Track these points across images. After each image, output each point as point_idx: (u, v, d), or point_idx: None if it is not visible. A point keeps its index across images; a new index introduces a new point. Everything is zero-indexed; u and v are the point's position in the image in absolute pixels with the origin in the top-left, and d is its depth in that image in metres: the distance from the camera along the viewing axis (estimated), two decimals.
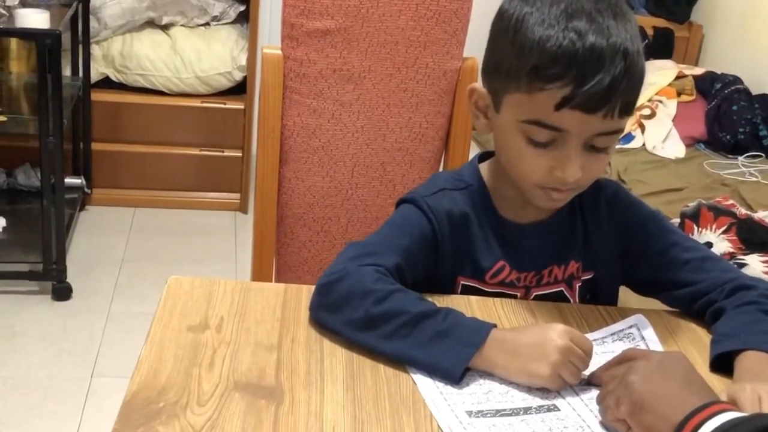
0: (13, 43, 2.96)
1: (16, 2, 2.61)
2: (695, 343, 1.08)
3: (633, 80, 0.99)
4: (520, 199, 1.11)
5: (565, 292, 1.17)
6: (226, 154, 3.26)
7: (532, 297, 1.16)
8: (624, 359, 0.95)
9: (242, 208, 3.32)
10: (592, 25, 0.97)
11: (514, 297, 1.15)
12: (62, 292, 2.62)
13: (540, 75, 0.98)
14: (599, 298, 1.19)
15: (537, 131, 1.01)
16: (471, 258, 1.13)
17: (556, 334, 0.95)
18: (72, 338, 2.45)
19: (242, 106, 3.22)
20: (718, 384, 0.99)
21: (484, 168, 1.17)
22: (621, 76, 0.97)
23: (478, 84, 1.10)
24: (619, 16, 1.00)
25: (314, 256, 1.65)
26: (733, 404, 0.88)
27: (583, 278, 1.18)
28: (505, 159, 1.09)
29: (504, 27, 1.03)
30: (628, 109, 1.01)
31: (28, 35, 2.53)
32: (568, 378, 0.94)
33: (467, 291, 1.14)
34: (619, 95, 0.98)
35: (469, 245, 1.13)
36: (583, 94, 0.97)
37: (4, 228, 2.80)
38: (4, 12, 2.52)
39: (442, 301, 1.05)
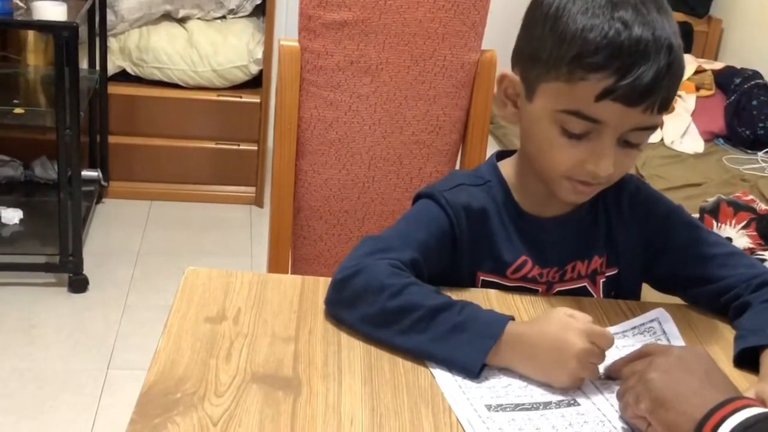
0: (31, 35, 2.96)
1: None
2: (717, 339, 1.07)
3: (675, 76, 0.98)
4: (543, 193, 1.09)
5: (589, 288, 1.16)
6: (242, 147, 3.26)
7: (554, 293, 1.14)
8: (644, 354, 0.93)
9: (258, 201, 3.32)
10: (637, 16, 0.96)
11: (536, 293, 1.13)
12: (79, 284, 2.62)
13: (582, 64, 0.96)
14: (623, 295, 1.17)
15: (574, 122, 0.99)
16: (492, 253, 1.12)
17: (575, 335, 0.92)
18: (88, 330, 2.46)
19: (258, 100, 3.22)
20: (742, 380, 0.98)
21: (503, 165, 1.15)
22: (665, 70, 0.96)
23: (510, 72, 1.09)
24: (662, 10, 0.98)
25: (330, 249, 1.65)
26: (761, 403, 0.87)
27: (607, 274, 1.16)
28: (534, 149, 1.07)
29: (543, 15, 1.01)
30: (666, 105, 0.99)
31: (45, 28, 2.54)
32: (588, 377, 0.94)
33: (487, 286, 1.13)
34: (661, 90, 0.97)
35: (490, 240, 1.11)
36: (625, 86, 0.95)
37: (21, 220, 2.81)
38: (21, 5, 2.52)
39: (460, 295, 1.04)
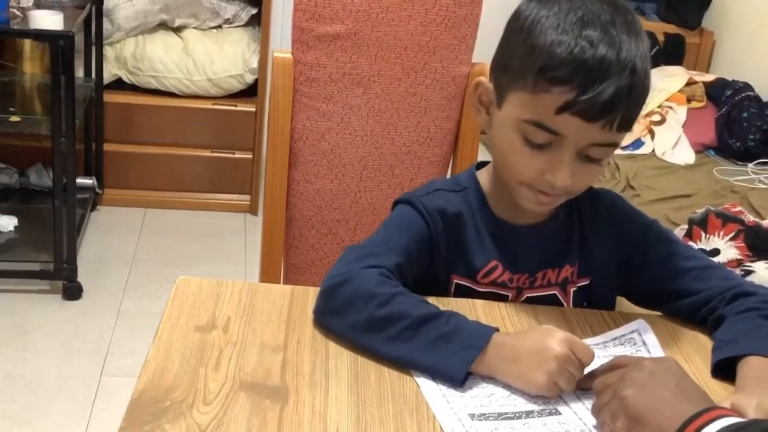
0: (27, 44, 2.98)
1: (30, 4, 2.63)
2: (697, 349, 1.09)
3: (636, 97, 1.00)
4: (515, 201, 1.11)
5: (559, 296, 1.18)
6: (236, 156, 3.28)
7: (523, 299, 1.17)
8: (615, 366, 0.94)
9: (252, 209, 3.33)
10: (605, 36, 0.99)
11: (506, 297, 1.16)
12: (73, 292, 2.64)
13: (546, 76, 0.99)
14: (596, 306, 1.19)
15: (535, 132, 1.02)
16: (464, 256, 1.14)
17: (556, 341, 0.95)
18: (82, 337, 2.47)
19: (253, 109, 3.24)
20: (721, 391, 1.00)
21: (481, 173, 1.19)
22: (625, 90, 0.98)
23: (485, 79, 1.12)
24: (632, 33, 1.01)
25: (322, 258, 1.67)
26: (738, 413, 0.88)
27: (578, 284, 1.18)
28: (498, 156, 1.11)
29: (518, 27, 1.04)
30: (627, 124, 1.02)
31: (41, 36, 2.55)
32: (564, 386, 0.95)
33: (460, 289, 1.15)
34: (620, 108, 0.99)
35: (463, 244, 1.14)
36: (585, 101, 0.98)
37: (15, 227, 2.82)
38: (18, 13, 2.54)
39: (446, 305, 1.06)
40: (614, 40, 0.99)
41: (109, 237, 3.06)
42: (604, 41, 0.98)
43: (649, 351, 1.05)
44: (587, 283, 1.19)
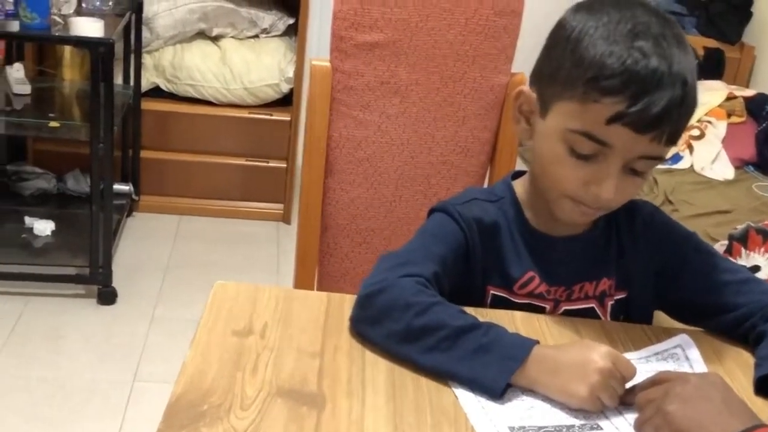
0: (67, 51, 3.02)
1: (72, 11, 2.66)
2: (741, 365, 1.07)
3: (686, 110, 1.00)
4: (552, 212, 1.10)
5: (597, 310, 1.16)
6: (271, 164, 3.29)
7: (561, 311, 1.15)
8: (658, 381, 0.93)
9: (285, 218, 3.34)
10: (657, 48, 0.98)
11: (543, 309, 1.14)
12: (107, 296, 2.66)
13: (597, 87, 0.98)
14: (634, 320, 1.17)
15: (582, 142, 1.01)
16: (500, 267, 1.13)
17: (599, 355, 0.94)
18: (115, 342, 2.49)
19: (288, 118, 3.25)
20: (766, 408, 0.98)
21: (517, 184, 1.18)
22: (677, 102, 0.98)
23: (527, 88, 1.11)
24: (681, 46, 1.00)
25: (356, 267, 1.66)
26: None
27: (616, 297, 1.17)
28: (540, 166, 1.09)
29: (565, 36, 1.03)
30: (674, 138, 1.01)
31: (82, 43, 2.59)
32: (606, 401, 0.93)
33: (496, 300, 1.14)
34: (670, 121, 0.98)
35: (499, 254, 1.13)
36: (637, 112, 0.97)
37: (52, 231, 2.85)
38: (59, 20, 2.57)
39: (484, 315, 1.05)
40: (666, 52, 0.98)
41: (144, 243, 3.08)
42: (656, 53, 0.98)
43: (692, 366, 1.03)
44: (625, 296, 1.17)
